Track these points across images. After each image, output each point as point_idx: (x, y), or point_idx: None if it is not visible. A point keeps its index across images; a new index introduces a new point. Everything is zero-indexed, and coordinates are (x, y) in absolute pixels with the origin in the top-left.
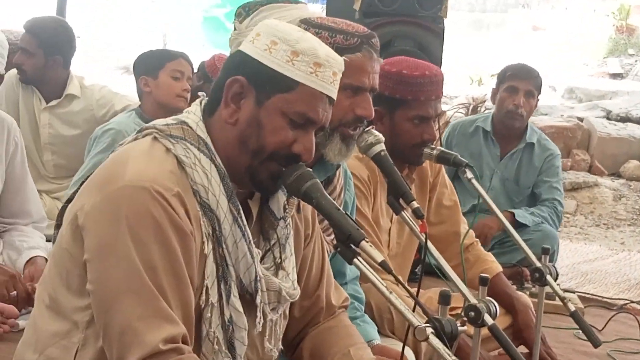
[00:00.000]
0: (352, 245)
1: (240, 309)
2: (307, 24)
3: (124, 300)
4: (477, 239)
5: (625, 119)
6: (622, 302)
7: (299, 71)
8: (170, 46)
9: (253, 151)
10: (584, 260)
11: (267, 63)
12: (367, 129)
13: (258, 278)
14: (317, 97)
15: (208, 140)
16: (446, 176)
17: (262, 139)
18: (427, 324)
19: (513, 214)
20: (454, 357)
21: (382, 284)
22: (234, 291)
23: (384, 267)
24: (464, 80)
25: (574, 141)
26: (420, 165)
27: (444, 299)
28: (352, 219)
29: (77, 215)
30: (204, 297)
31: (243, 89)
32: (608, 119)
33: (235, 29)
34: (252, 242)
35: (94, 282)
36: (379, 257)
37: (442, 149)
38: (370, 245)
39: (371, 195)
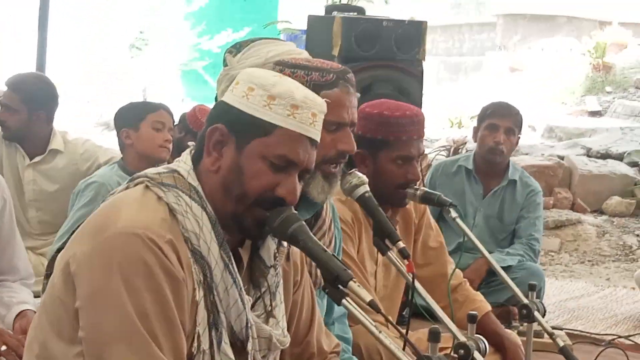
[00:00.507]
0: (340, 286)
1: (231, 355)
2: (282, 65)
3: (117, 347)
4: (466, 279)
5: (605, 156)
6: (610, 337)
7: (276, 114)
8: (150, 100)
9: (237, 197)
10: (571, 297)
11: (245, 109)
12: (351, 171)
13: (249, 325)
14: (296, 139)
15: (199, 188)
16: (431, 217)
17: (244, 185)
18: None
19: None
20: None
21: (371, 323)
22: (225, 338)
23: (372, 306)
24: (444, 123)
25: (556, 179)
26: (404, 206)
27: (434, 336)
28: (339, 260)
29: (69, 262)
30: (195, 344)
31: (223, 137)
32: (588, 156)
33: (226, 65)
34: (242, 289)
35: (86, 329)
36: (368, 297)
37: (426, 189)
38: (358, 286)
39: (356, 237)
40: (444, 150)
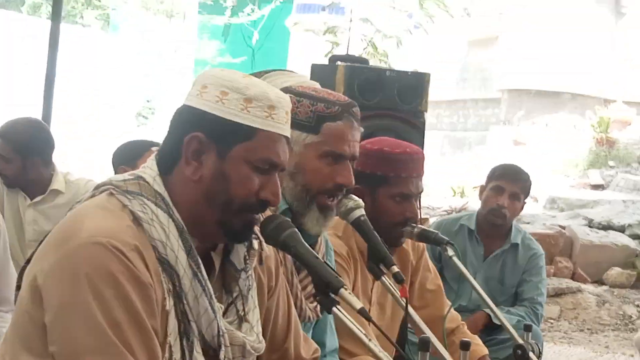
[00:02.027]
0: (332, 294)
1: None
2: (289, 91)
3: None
4: (463, 323)
5: (607, 227)
6: None
7: (255, 117)
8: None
9: (222, 205)
10: None
11: (222, 115)
12: (348, 195)
13: (221, 333)
14: (276, 140)
15: (165, 195)
16: (429, 260)
17: (230, 192)
18: None
19: (489, 315)
20: None
21: (361, 331)
22: (197, 347)
23: (362, 314)
24: (447, 192)
25: (557, 248)
26: (400, 245)
27: (423, 344)
28: (331, 268)
29: (36, 276)
30: (167, 355)
31: (202, 145)
32: (590, 227)
33: None
34: (213, 296)
35: (57, 344)
36: (358, 305)
37: (423, 227)
38: (350, 293)
39: (352, 272)
40: (445, 215)
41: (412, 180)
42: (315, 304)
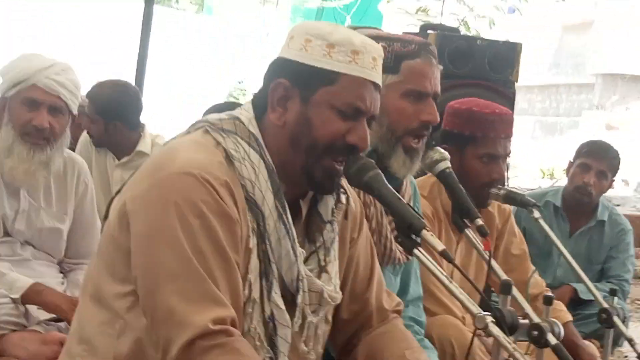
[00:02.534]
0: (413, 236)
1: (282, 305)
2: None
3: (172, 284)
4: (548, 289)
5: None
6: None
7: (338, 62)
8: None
9: (306, 148)
10: None
11: (305, 61)
12: (434, 147)
13: (300, 277)
14: (361, 85)
15: (259, 136)
16: (515, 225)
17: (313, 135)
18: (488, 313)
19: (575, 289)
20: (514, 345)
21: (442, 273)
22: (276, 288)
23: (444, 256)
24: (536, 174)
25: None
26: (486, 207)
27: (505, 288)
28: (414, 210)
29: (126, 202)
30: (246, 292)
31: (287, 91)
32: None
33: None
34: (296, 241)
35: (141, 267)
36: (440, 246)
37: (509, 188)
38: (432, 235)
39: (435, 232)
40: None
41: (500, 140)
42: None
